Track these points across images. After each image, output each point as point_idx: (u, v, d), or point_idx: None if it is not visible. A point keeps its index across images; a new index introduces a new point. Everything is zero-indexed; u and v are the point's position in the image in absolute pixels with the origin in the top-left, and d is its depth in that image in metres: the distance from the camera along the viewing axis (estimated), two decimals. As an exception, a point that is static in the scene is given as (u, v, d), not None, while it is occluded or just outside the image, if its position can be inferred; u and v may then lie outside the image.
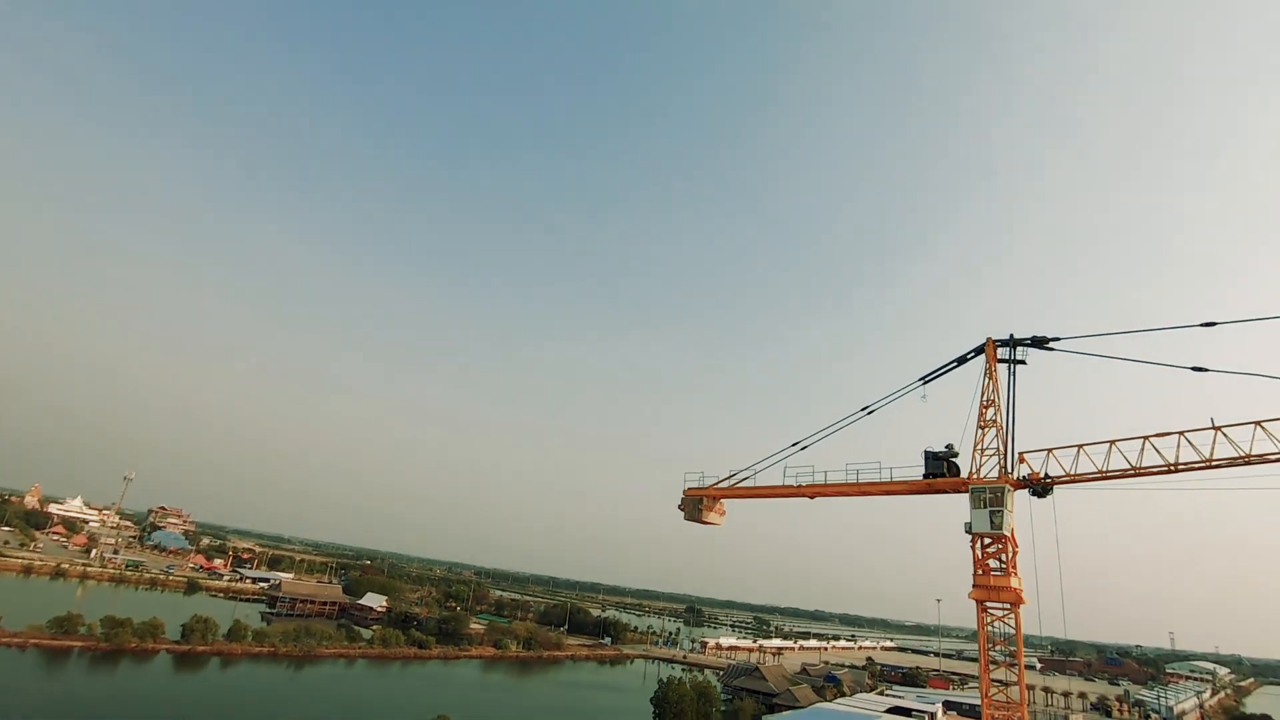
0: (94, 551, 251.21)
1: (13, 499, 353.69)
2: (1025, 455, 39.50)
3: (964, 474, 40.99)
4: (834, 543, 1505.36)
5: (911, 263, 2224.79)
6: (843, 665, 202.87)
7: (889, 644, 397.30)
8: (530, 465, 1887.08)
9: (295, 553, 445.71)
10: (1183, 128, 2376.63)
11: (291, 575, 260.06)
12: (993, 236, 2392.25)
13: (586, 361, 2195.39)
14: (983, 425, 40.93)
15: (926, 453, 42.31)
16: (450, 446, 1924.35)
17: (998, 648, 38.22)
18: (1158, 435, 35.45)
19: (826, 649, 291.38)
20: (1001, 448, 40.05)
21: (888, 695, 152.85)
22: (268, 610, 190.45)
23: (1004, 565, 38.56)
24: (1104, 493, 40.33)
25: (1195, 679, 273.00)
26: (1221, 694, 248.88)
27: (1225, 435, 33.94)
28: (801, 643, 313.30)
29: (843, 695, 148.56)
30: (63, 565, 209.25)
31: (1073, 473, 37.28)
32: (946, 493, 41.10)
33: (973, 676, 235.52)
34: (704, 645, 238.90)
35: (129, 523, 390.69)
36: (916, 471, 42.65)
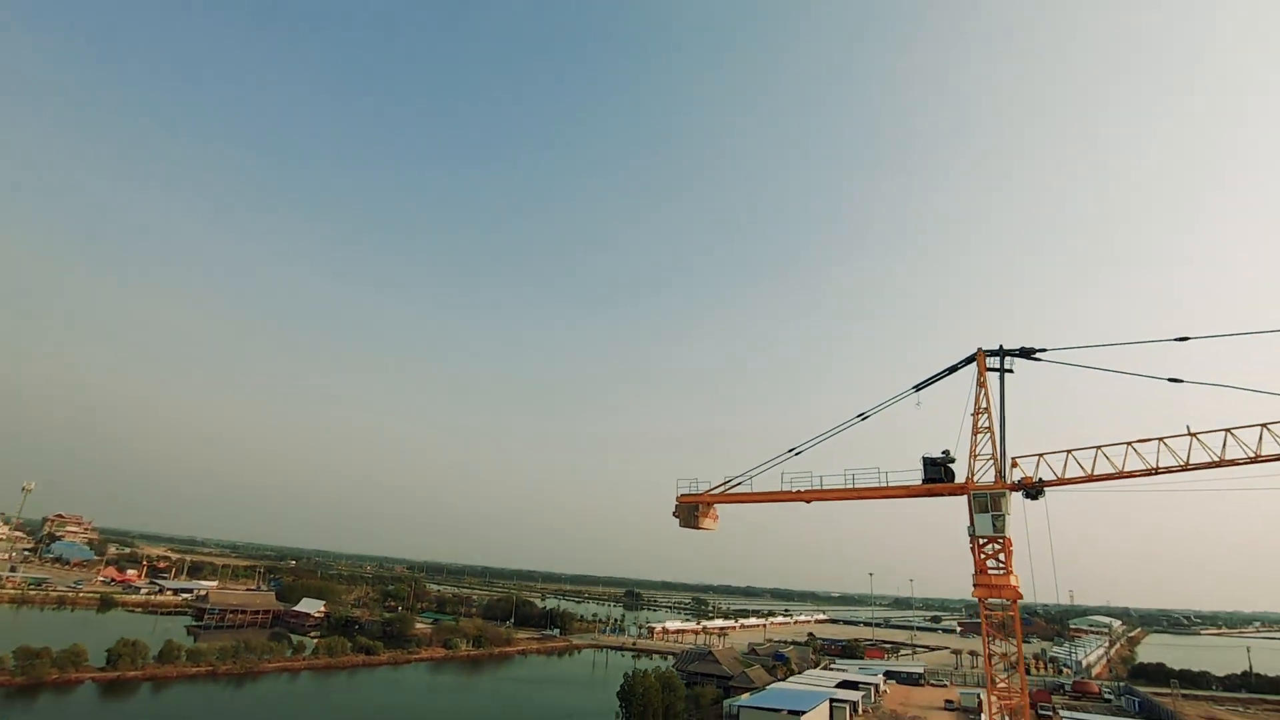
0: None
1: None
2: (1018, 460, 41.93)
3: (959, 478, 43.14)
4: (766, 521, 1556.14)
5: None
6: (787, 643, 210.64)
7: (821, 616, 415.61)
8: (459, 456, 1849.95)
9: (214, 557, 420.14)
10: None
11: (216, 583, 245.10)
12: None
13: (507, 345, 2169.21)
14: (976, 431, 43.09)
15: (925, 459, 44.15)
16: (366, 438, 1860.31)
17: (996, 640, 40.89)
18: (1140, 441, 38.39)
19: (765, 626, 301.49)
20: (995, 452, 42.29)
21: (833, 670, 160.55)
22: (195, 624, 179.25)
23: (1003, 564, 40.97)
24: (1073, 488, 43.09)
25: (1095, 633, 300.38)
26: (1119, 644, 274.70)
27: (1200, 441, 37.14)
28: (742, 621, 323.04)
29: (792, 673, 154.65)
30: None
31: (1062, 476, 39.87)
32: (944, 496, 43.17)
33: (903, 644, 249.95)
34: (651, 631, 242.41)
35: (21, 534, 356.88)
36: (909, 475, 44.55)
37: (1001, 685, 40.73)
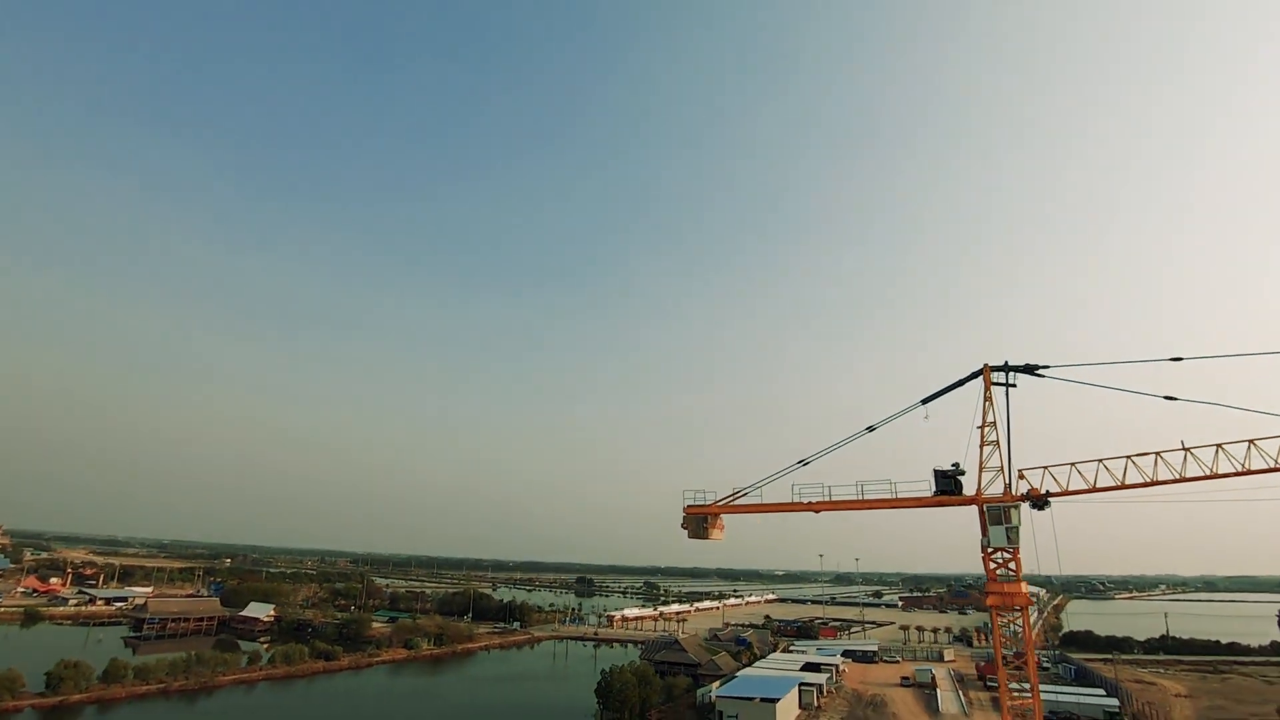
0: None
1: None
2: (1024, 472, 44.00)
3: (968, 490, 44.94)
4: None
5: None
6: (745, 626, 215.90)
7: (771, 596, 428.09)
8: (394, 444, 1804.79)
9: (142, 559, 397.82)
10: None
11: (152, 589, 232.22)
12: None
13: (428, 328, 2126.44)
14: (984, 444, 44.92)
15: (935, 471, 45.73)
16: (300, 427, 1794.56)
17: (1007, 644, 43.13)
18: (1138, 455, 40.90)
19: (721, 609, 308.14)
20: (1003, 465, 44.27)
21: (793, 652, 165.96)
22: (133, 635, 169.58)
23: (1013, 573, 43.05)
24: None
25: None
26: (1046, 612, 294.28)
27: (1193, 455, 39.90)
28: (697, 604, 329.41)
29: (756, 657, 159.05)
30: None
31: (1067, 488, 42.11)
32: (952, 506, 44.97)
33: (853, 621, 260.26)
34: (610, 619, 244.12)
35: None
36: (916, 485, 46.14)
37: (1014, 688, 43.13)
